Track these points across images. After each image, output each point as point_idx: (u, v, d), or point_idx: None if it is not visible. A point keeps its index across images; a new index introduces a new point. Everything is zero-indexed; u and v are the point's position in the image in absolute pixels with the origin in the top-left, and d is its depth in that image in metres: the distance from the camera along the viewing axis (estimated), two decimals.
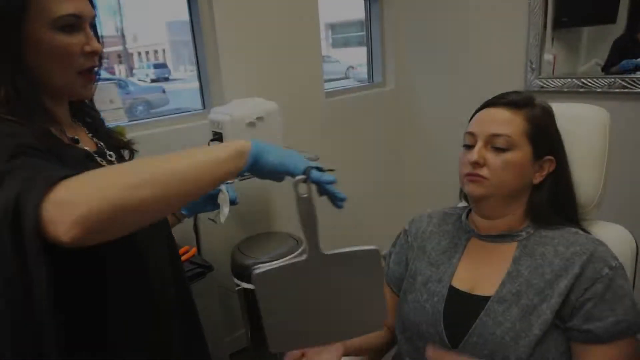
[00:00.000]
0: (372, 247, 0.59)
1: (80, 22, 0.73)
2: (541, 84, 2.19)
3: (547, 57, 2.18)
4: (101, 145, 0.85)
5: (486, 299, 0.80)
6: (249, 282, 1.60)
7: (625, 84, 1.94)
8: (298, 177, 0.60)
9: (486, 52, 2.39)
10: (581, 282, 0.74)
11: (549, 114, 0.87)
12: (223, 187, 0.99)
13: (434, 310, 0.84)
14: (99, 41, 0.78)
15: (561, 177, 0.86)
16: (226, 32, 1.89)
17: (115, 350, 0.73)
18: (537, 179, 0.85)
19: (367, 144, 2.68)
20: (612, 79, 1.97)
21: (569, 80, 2.10)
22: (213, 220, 1.05)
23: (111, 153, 0.85)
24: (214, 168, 0.61)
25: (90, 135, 0.86)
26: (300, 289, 0.62)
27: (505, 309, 0.76)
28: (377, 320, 0.66)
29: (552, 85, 2.16)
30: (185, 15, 1.91)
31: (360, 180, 2.51)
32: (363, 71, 2.87)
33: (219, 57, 1.89)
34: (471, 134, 0.85)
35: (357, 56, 2.89)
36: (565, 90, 2.12)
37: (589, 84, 2.04)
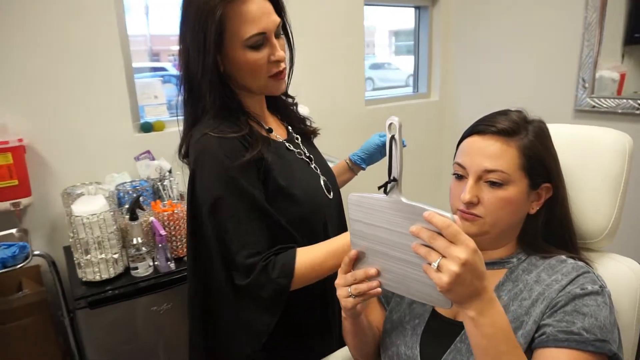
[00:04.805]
0: (449, 214, 0.58)
1: (266, 38, 0.87)
2: (593, 103, 2.07)
3: (612, 74, 2.05)
4: (290, 131, 1.06)
5: (463, 324, 0.78)
6: None
7: None
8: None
9: (536, 67, 2.29)
10: (554, 306, 0.71)
11: (543, 136, 0.80)
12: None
13: (413, 332, 0.83)
14: (290, 42, 0.97)
15: (557, 202, 0.82)
16: None
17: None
18: (534, 208, 0.80)
19: (407, 154, 2.67)
20: None
21: (624, 101, 1.97)
22: None
23: (297, 136, 1.06)
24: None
25: (283, 122, 1.08)
26: (381, 225, 0.66)
27: None
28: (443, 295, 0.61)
29: (604, 106, 2.03)
30: None
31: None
32: None
33: None
34: (461, 165, 0.80)
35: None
36: (619, 111, 1.99)
37: None
